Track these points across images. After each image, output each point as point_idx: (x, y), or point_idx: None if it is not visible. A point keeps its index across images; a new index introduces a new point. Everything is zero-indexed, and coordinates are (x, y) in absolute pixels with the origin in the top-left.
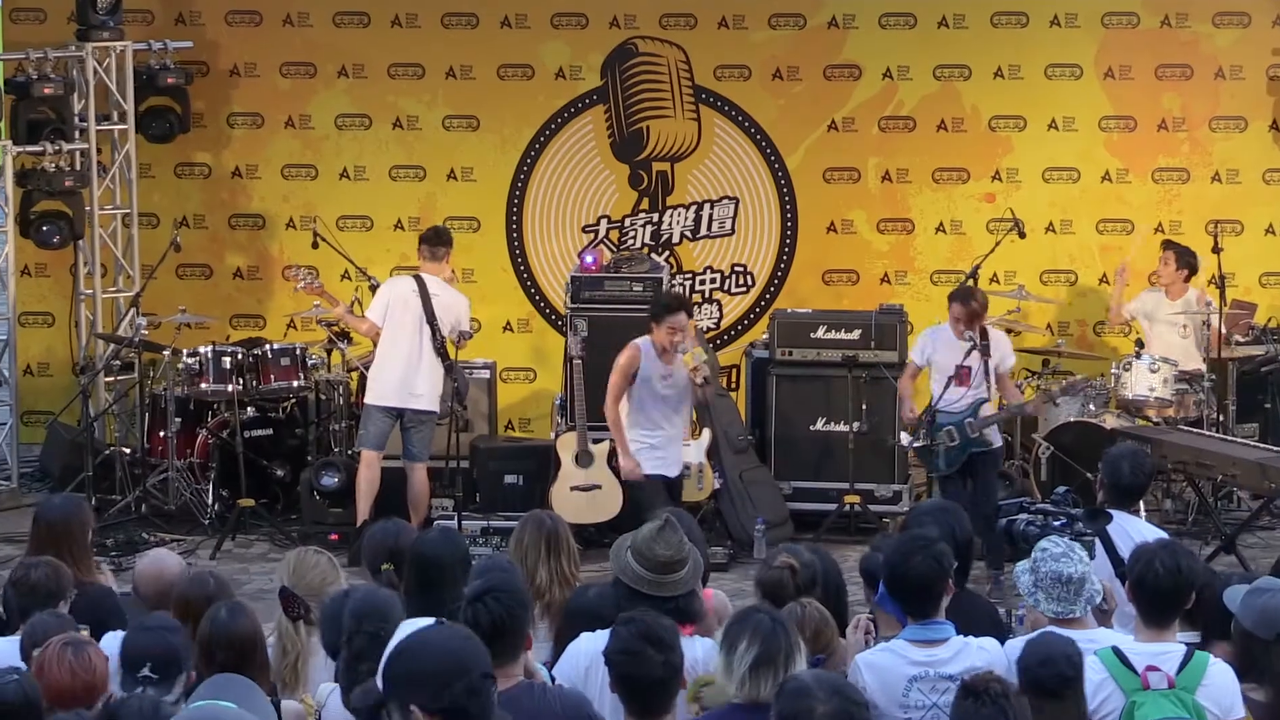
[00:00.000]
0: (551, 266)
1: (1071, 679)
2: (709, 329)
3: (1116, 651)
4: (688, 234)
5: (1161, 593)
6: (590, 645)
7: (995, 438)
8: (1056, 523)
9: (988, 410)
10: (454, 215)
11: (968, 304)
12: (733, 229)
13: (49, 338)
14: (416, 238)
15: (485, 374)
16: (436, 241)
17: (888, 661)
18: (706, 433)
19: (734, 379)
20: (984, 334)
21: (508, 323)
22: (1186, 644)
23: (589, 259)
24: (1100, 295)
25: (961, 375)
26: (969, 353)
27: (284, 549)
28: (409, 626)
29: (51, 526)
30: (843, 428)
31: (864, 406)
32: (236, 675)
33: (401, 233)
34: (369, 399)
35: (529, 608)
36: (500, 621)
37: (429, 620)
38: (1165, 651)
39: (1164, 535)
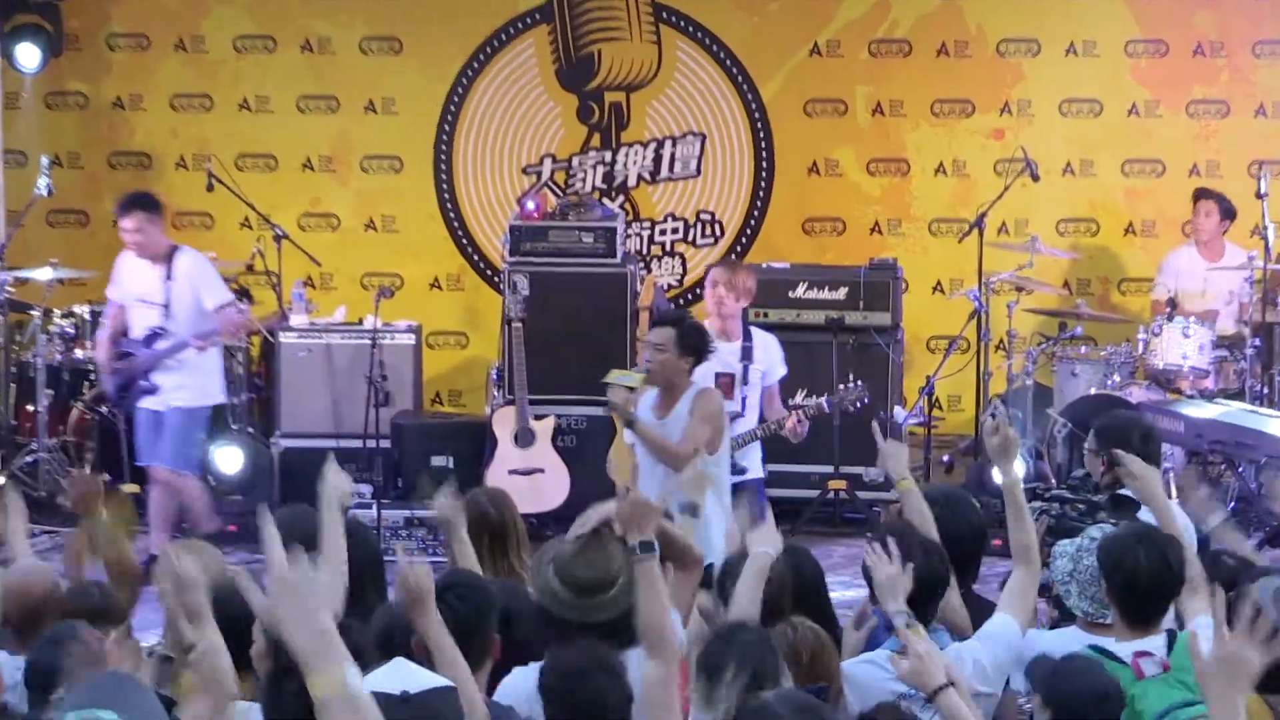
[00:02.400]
0: (486, 214)
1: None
2: (670, 287)
3: (1097, 649)
4: (646, 176)
5: (1145, 591)
6: (525, 685)
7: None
8: (1074, 513)
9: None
10: (373, 153)
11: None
12: (698, 170)
13: None
14: (330, 180)
15: (409, 339)
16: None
17: (869, 676)
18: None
19: None
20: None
21: (435, 279)
22: (1166, 630)
23: (530, 205)
24: (1126, 248)
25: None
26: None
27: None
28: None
29: None
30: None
31: (851, 377)
32: (120, 673)
33: (311, 174)
34: (208, 400)
35: (495, 607)
36: (464, 624)
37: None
38: (1148, 641)
39: (1191, 524)
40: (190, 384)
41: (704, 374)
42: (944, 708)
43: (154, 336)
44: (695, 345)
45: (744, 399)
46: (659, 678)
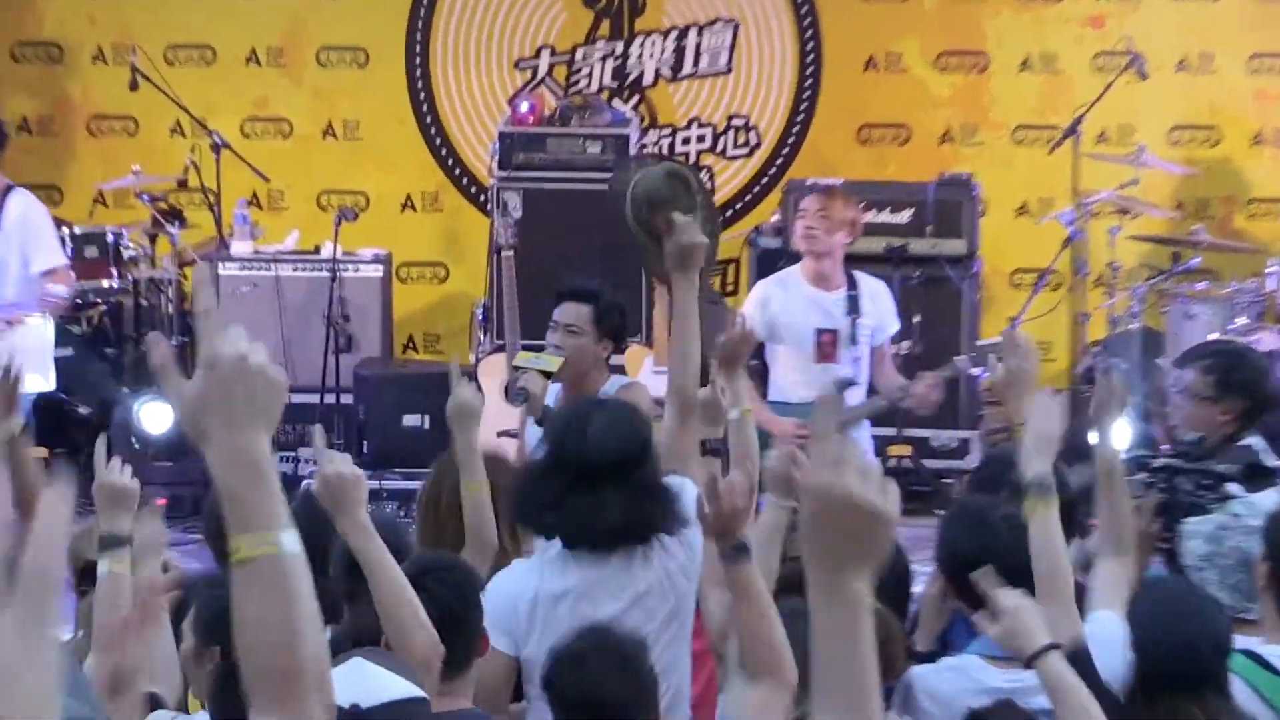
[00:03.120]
0: (471, 118)
1: (1215, 673)
2: None
3: (1249, 655)
4: (665, 72)
5: None
6: (521, 584)
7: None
8: (1190, 486)
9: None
10: (331, 44)
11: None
12: (729, 65)
13: None
14: (280, 77)
15: (375, 271)
16: None
17: (953, 687)
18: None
19: (731, 279)
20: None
21: (408, 198)
22: None
23: (524, 107)
24: (1254, 161)
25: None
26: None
27: (87, 518)
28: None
29: None
30: (892, 349)
31: (917, 319)
32: None
33: (256, 69)
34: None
35: (481, 591)
36: (447, 613)
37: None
38: None
39: None
40: None
41: (772, 325)
42: (1048, 676)
43: None
44: (617, 326)
45: (856, 361)
46: (765, 704)
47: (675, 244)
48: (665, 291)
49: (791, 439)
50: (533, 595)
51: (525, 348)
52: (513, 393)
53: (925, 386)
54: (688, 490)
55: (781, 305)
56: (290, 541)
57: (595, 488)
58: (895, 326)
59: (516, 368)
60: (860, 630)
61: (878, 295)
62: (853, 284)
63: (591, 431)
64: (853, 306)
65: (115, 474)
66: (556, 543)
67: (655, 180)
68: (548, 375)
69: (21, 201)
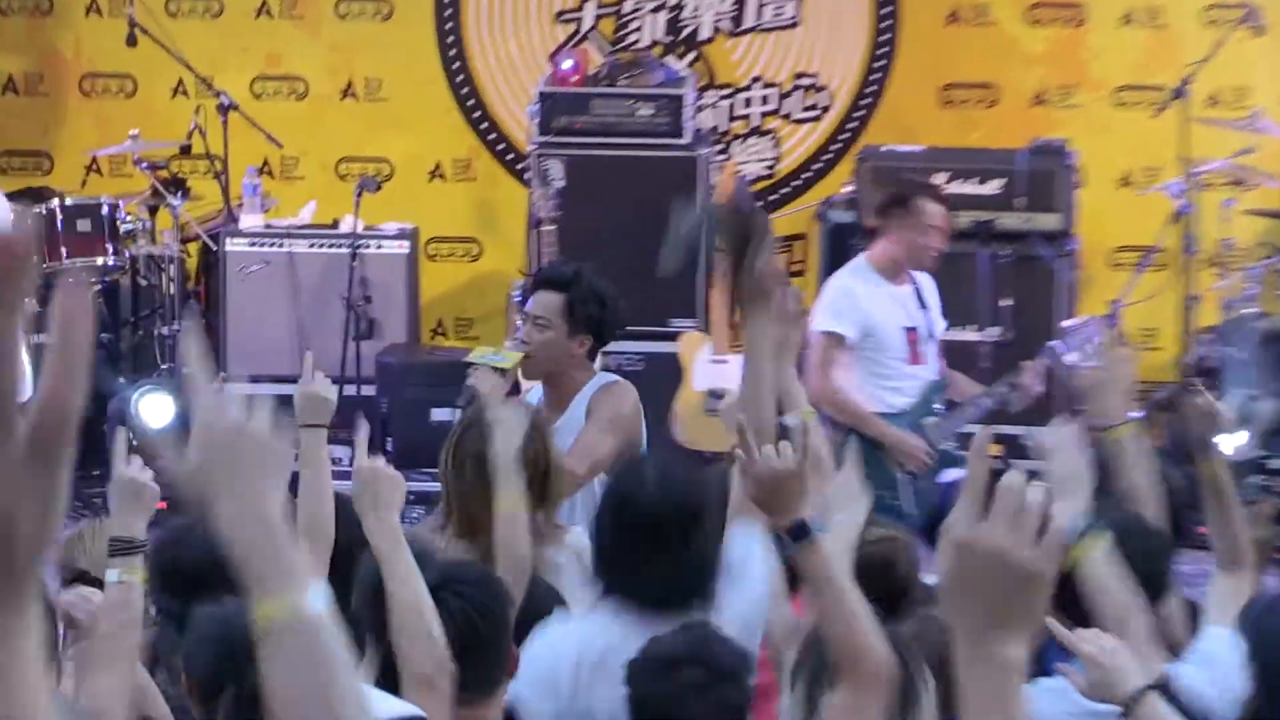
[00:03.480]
0: (507, 77)
1: None
2: (759, 179)
3: None
4: (725, 25)
5: None
6: (563, 646)
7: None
8: None
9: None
10: None
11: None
12: (796, 18)
13: None
14: (294, 30)
15: (401, 248)
16: None
17: (1053, 710)
18: (789, 334)
19: (799, 257)
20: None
21: (436, 166)
22: None
23: (567, 65)
24: None
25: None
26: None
27: (81, 520)
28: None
29: None
30: (973, 335)
31: (1006, 301)
32: None
33: (267, 22)
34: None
35: (509, 605)
36: (467, 629)
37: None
38: None
39: None
40: None
41: (865, 325)
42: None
43: None
44: (595, 318)
45: (931, 361)
46: (849, 709)
47: (752, 279)
48: (726, 272)
49: (921, 458)
50: (575, 659)
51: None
52: (461, 392)
53: (1030, 379)
54: (755, 541)
55: (865, 301)
56: (315, 600)
57: (649, 546)
58: (943, 323)
59: (468, 364)
60: (1012, 698)
61: (931, 286)
62: (911, 275)
63: (647, 488)
64: (920, 300)
65: (136, 470)
66: (601, 599)
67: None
68: (501, 372)
69: None
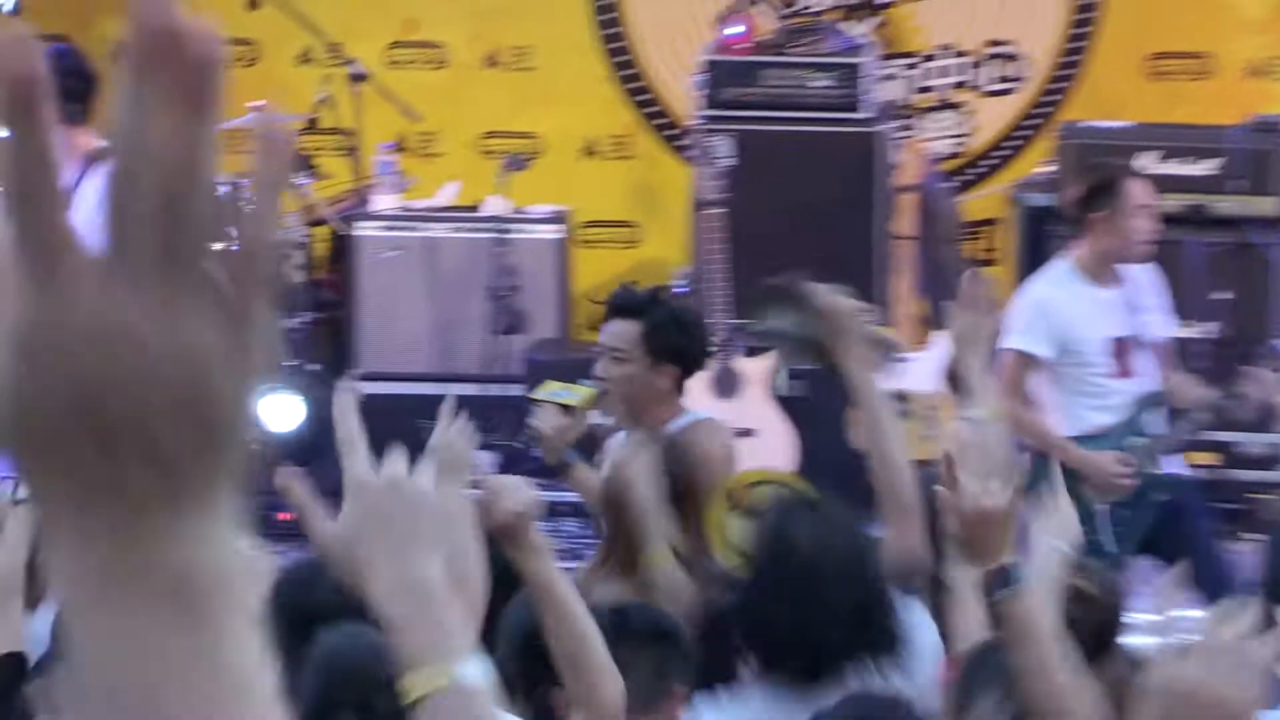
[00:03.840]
0: (668, 44)
1: None
2: (947, 158)
3: None
4: None
5: None
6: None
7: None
8: None
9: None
10: None
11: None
12: None
13: None
14: None
15: (552, 233)
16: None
17: None
18: (941, 338)
19: (992, 245)
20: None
21: (591, 142)
22: None
23: (735, 30)
24: None
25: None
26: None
27: None
28: None
29: None
30: (1190, 332)
31: (1221, 294)
32: None
33: None
34: None
35: (681, 639)
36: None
37: None
38: None
39: None
40: None
41: (1064, 340)
42: None
43: None
44: (678, 346)
45: (1147, 370)
46: None
47: (821, 312)
48: (911, 254)
49: (1115, 479)
50: None
51: (558, 376)
52: (523, 432)
53: (1255, 388)
54: (914, 611)
55: (1067, 312)
56: (472, 673)
57: (801, 604)
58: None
59: (533, 400)
60: None
61: (1152, 281)
62: (1124, 274)
63: (802, 540)
64: (1132, 302)
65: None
66: (755, 672)
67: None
68: (569, 410)
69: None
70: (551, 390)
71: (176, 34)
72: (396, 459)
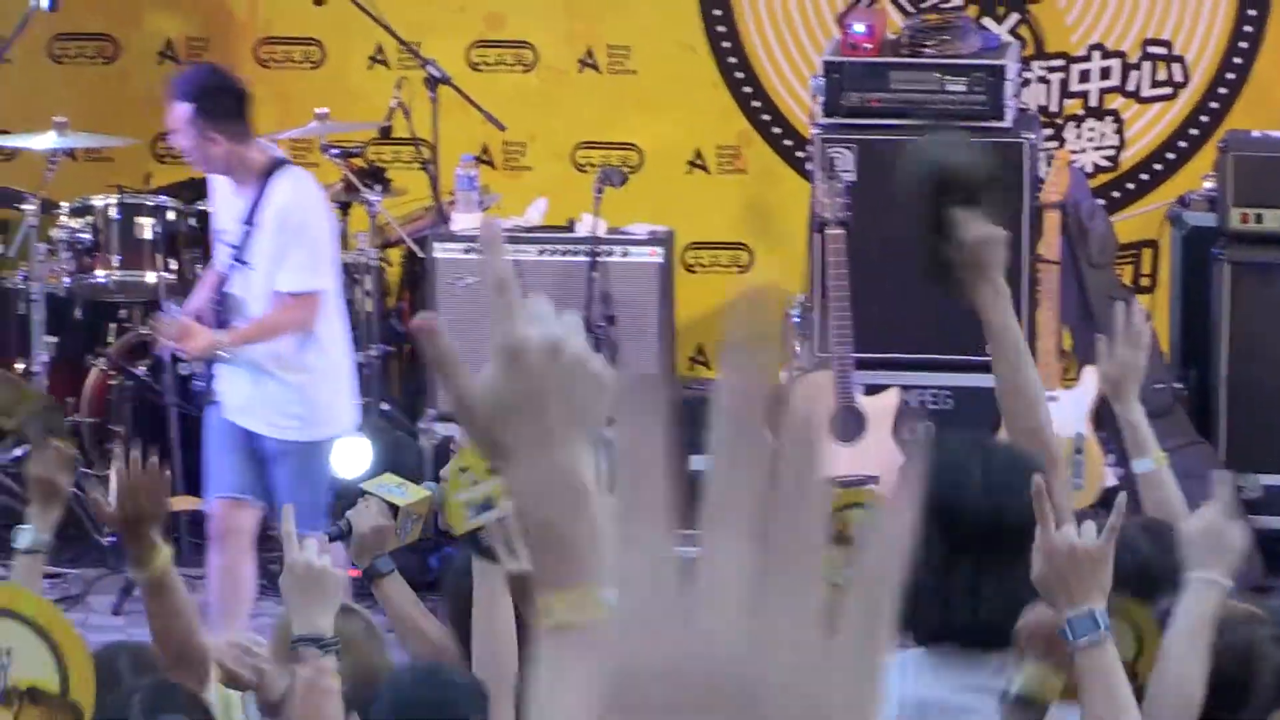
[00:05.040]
0: (784, 44)
1: None
2: (1099, 169)
3: None
4: None
5: None
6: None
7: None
8: None
9: None
10: None
11: None
12: None
13: None
14: None
15: (651, 255)
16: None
17: None
18: (1089, 375)
19: (1148, 268)
20: None
21: (697, 154)
22: None
23: (860, 29)
24: None
25: None
26: None
27: (265, 588)
28: None
29: None
30: None
31: None
32: None
33: None
34: (328, 431)
35: None
36: None
37: None
38: None
39: None
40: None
41: None
42: None
43: (222, 304)
44: None
45: None
46: None
47: (967, 243)
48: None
49: None
50: (893, 712)
51: (367, 487)
52: (330, 524)
53: None
54: None
55: None
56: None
57: (972, 567)
58: None
59: (363, 492)
60: None
61: None
62: None
63: (972, 488)
64: None
65: (313, 555)
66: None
67: (967, 152)
68: (395, 508)
69: (288, 188)
70: (383, 484)
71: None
72: (547, 312)
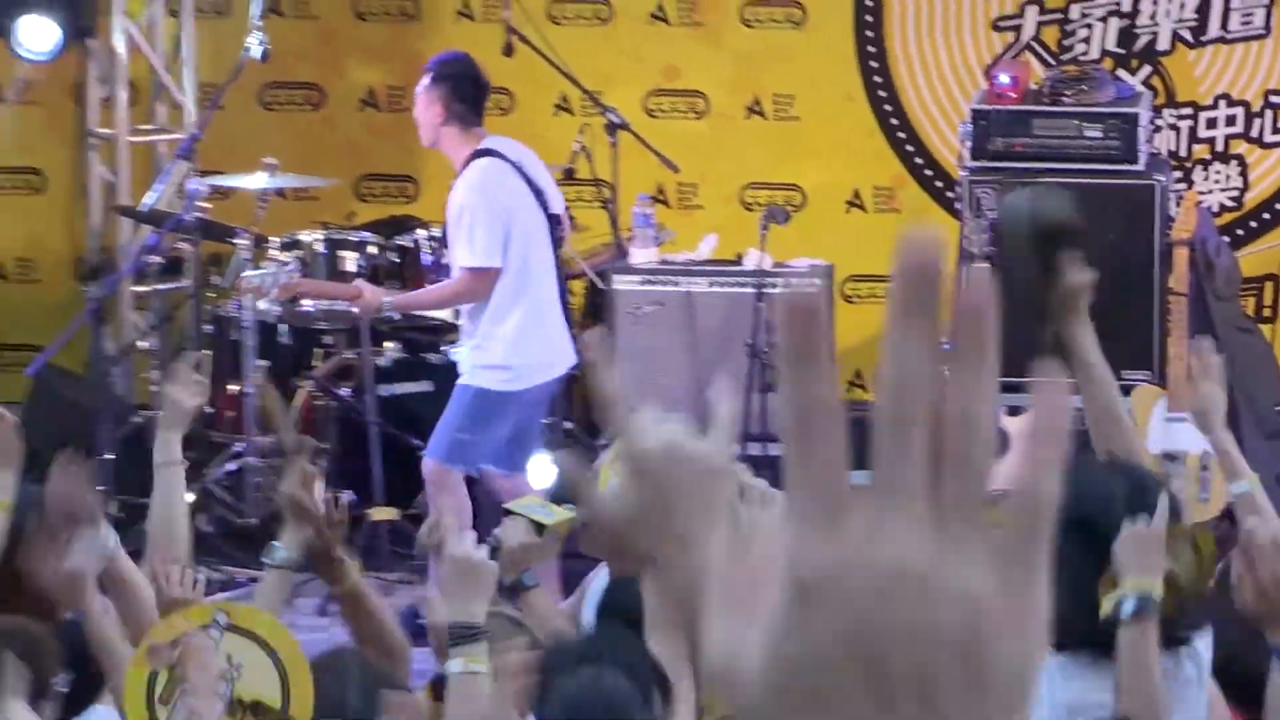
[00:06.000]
0: (935, 93)
1: None
2: (1225, 209)
3: None
4: (1185, 35)
5: None
6: None
7: None
8: None
9: None
10: None
11: None
12: (1268, 26)
13: (36, 214)
14: (694, 39)
15: (813, 289)
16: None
17: None
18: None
19: (1268, 301)
20: None
21: (855, 194)
22: None
23: (1004, 79)
24: None
25: None
26: None
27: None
28: None
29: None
30: None
31: None
32: None
33: (663, 29)
34: (504, 384)
35: None
36: None
37: None
38: None
39: None
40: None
41: None
42: None
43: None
44: None
45: None
46: None
47: (1065, 286)
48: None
49: None
50: (1044, 714)
51: (512, 507)
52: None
53: None
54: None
55: None
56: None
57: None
58: None
59: (508, 510)
60: None
61: None
62: None
63: (1116, 505)
64: None
65: (470, 547)
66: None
67: (1063, 204)
68: (541, 529)
69: (471, 174)
70: (529, 504)
71: (942, 281)
72: (660, 420)
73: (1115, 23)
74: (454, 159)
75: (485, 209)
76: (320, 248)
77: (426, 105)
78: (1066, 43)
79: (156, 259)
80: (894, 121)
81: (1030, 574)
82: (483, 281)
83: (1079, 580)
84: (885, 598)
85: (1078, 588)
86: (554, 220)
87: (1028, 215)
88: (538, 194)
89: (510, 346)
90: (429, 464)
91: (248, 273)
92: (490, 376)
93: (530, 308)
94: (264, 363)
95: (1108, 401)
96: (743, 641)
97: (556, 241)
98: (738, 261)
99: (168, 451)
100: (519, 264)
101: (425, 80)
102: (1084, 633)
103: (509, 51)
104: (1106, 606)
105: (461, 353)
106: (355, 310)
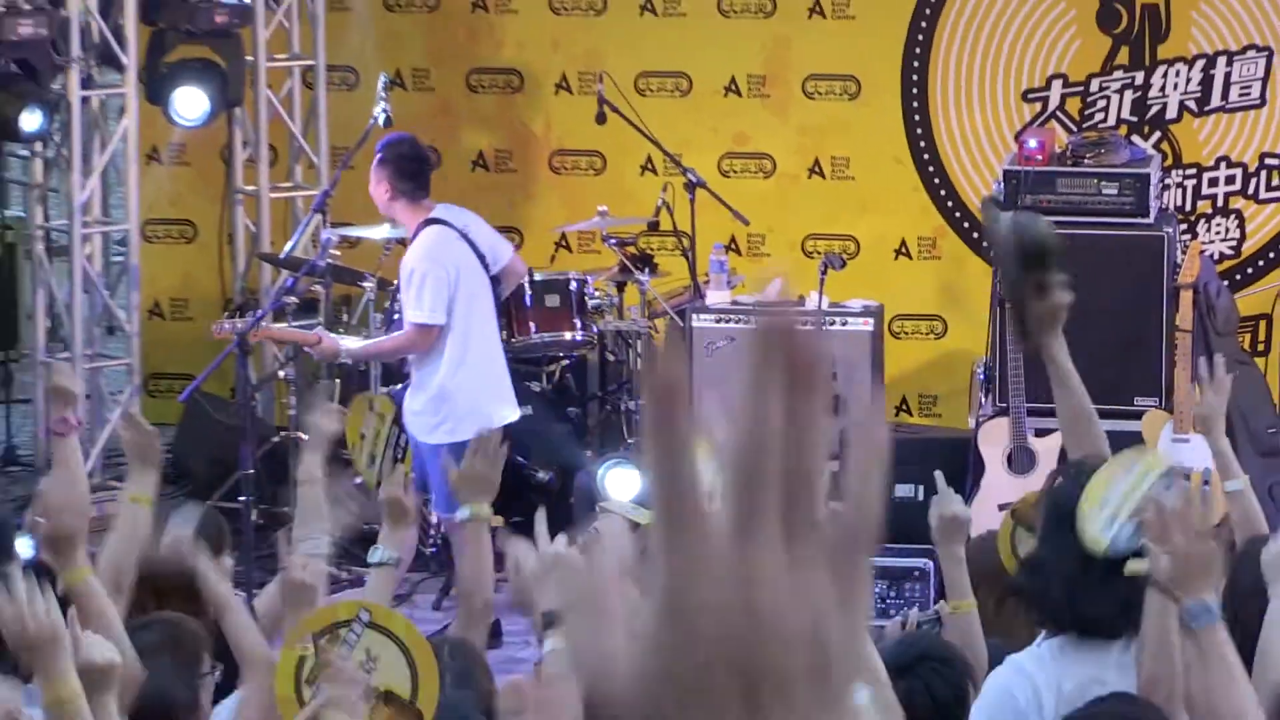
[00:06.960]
0: (973, 155)
1: None
2: (1224, 257)
3: None
4: (1191, 105)
5: None
6: (1017, 678)
7: None
8: None
9: None
10: (820, 73)
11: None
12: (1263, 98)
13: (188, 260)
14: (762, 108)
15: (865, 325)
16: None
17: None
18: (1220, 405)
19: (1263, 337)
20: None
21: (902, 243)
22: None
23: (1033, 144)
24: None
25: None
26: None
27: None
28: None
29: (162, 562)
30: None
31: None
32: None
33: (735, 100)
34: (451, 435)
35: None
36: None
37: None
38: None
39: None
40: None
41: None
42: None
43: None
44: None
45: None
46: None
47: (1048, 305)
48: (1183, 346)
49: None
50: (1031, 691)
51: (606, 505)
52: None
53: None
54: None
55: None
56: None
57: (1104, 569)
58: None
59: (603, 509)
60: None
61: None
62: None
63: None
64: None
65: (562, 548)
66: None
67: (1045, 228)
68: (635, 527)
69: (420, 240)
70: (623, 505)
71: (789, 335)
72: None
73: (1129, 94)
74: (407, 227)
75: (433, 273)
76: None
77: (375, 183)
78: (1087, 112)
79: (293, 299)
80: (936, 181)
81: (856, 568)
82: (427, 336)
83: (1075, 571)
84: (747, 610)
85: (1075, 578)
86: (494, 281)
87: (1012, 237)
88: (480, 258)
89: (452, 399)
90: (449, 521)
91: (219, 321)
92: (443, 431)
93: (472, 361)
94: (386, 389)
95: (1080, 405)
96: (609, 650)
97: (497, 298)
98: (800, 302)
99: (310, 471)
100: (463, 322)
101: (375, 160)
102: (1081, 617)
103: (601, 120)
104: (1136, 567)
105: (409, 404)
106: (315, 356)
